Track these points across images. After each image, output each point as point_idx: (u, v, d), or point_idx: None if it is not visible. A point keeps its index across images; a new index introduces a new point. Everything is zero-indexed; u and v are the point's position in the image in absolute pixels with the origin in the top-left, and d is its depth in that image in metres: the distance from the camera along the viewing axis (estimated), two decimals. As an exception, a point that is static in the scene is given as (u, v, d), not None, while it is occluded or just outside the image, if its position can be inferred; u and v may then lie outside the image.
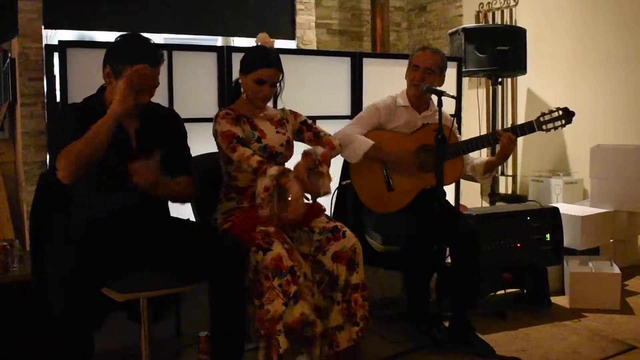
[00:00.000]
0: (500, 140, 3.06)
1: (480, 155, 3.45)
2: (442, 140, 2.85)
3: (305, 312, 2.45)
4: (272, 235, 2.50)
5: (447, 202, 3.27)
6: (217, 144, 2.73)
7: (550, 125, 3.08)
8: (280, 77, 2.77)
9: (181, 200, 2.65)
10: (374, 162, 3.13)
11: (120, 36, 2.45)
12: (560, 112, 3.07)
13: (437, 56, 3.19)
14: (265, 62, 2.71)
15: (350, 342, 2.62)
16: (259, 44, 2.79)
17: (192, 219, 2.88)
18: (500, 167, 5.42)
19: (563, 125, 3.09)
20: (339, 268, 2.61)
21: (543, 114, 3.09)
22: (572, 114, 3.08)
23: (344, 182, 3.31)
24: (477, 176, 3.27)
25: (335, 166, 3.20)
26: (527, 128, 3.09)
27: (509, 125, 5.39)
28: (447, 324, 3.08)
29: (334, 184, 3.17)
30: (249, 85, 2.74)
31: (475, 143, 3.12)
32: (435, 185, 2.92)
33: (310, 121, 2.93)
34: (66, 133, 2.33)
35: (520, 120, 5.44)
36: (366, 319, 2.64)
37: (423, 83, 3.10)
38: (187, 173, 2.60)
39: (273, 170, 2.50)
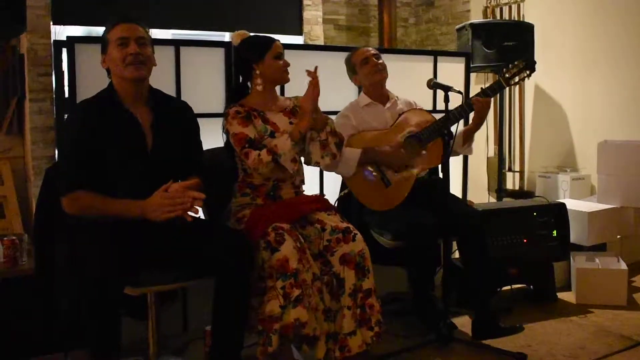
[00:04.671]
0: (475, 106, 3.10)
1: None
2: (448, 135, 2.89)
3: (300, 319, 2.41)
4: (286, 232, 2.50)
5: (448, 192, 3.25)
6: (231, 142, 2.73)
7: (517, 79, 3.15)
8: None
9: None
10: (365, 165, 3.14)
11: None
12: (523, 64, 3.12)
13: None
14: (271, 39, 2.82)
15: (362, 347, 2.59)
16: (239, 40, 2.85)
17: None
18: (507, 163, 5.41)
19: (528, 76, 3.16)
20: (345, 271, 2.60)
21: (506, 69, 3.16)
22: (534, 62, 3.16)
23: (342, 193, 3.30)
24: (458, 148, 3.26)
25: (335, 177, 3.22)
26: (497, 86, 3.14)
27: (517, 123, 5.41)
28: (453, 319, 3.08)
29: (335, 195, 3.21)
30: (270, 67, 2.78)
31: (453, 116, 3.06)
32: (430, 172, 3.15)
33: None
34: (70, 137, 2.39)
35: (528, 116, 5.43)
36: (380, 323, 2.64)
37: (430, 79, 3.08)
38: (198, 173, 2.55)
39: (283, 144, 2.63)
